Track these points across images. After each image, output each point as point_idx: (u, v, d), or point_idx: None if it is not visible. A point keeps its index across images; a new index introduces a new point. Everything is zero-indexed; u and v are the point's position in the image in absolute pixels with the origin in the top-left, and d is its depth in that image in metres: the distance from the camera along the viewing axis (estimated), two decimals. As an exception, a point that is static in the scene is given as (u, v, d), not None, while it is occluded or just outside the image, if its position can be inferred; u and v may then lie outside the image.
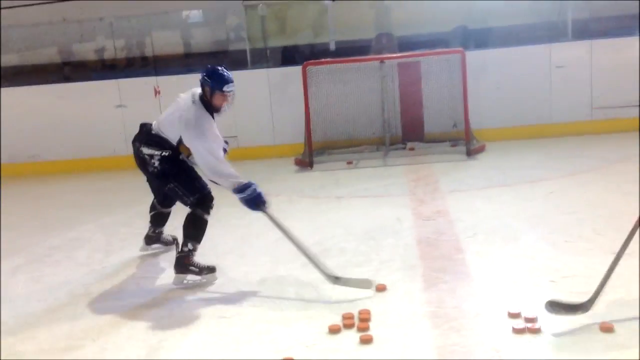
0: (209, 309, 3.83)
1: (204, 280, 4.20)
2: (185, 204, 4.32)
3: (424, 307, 3.62)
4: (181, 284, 4.18)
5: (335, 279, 3.93)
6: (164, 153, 4.25)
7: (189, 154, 4.27)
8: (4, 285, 4.46)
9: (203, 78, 4.20)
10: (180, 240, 4.29)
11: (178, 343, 3.44)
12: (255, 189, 4.04)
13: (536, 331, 3.20)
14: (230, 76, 4.21)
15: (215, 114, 4.24)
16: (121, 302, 4.06)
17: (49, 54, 9.28)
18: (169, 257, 4.70)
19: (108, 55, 9.27)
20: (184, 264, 4.19)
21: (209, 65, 4.30)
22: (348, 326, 3.44)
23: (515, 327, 3.24)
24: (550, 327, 3.23)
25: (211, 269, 4.24)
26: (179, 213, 4.56)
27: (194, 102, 4.21)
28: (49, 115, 8.15)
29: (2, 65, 8.54)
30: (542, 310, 3.37)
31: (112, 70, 9.15)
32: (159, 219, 4.79)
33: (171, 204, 4.68)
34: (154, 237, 4.83)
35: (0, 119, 8.00)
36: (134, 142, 4.39)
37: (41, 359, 3.38)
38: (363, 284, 3.86)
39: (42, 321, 3.85)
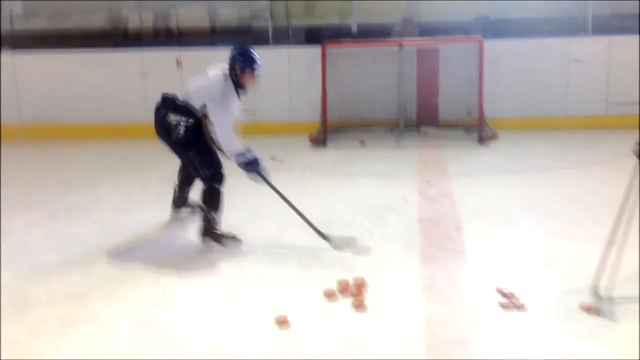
0: (213, 268, 4.03)
1: (233, 246, 4.32)
2: (199, 176, 4.47)
3: (417, 280, 3.77)
4: (207, 251, 4.31)
5: (327, 238, 4.28)
6: (190, 120, 4.39)
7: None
8: (22, 236, 4.69)
9: (234, 57, 4.41)
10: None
11: (181, 296, 3.64)
12: (253, 153, 4.34)
13: (521, 307, 3.35)
14: (259, 58, 4.45)
15: (240, 93, 4.43)
16: (131, 257, 4.26)
17: (75, 21, 9.48)
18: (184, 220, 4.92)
19: (133, 25, 9.44)
20: (210, 230, 4.33)
21: (240, 46, 4.51)
22: (343, 292, 3.60)
23: (502, 302, 3.39)
24: (536, 304, 3.37)
25: (234, 238, 4.37)
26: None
27: (224, 76, 4.40)
28: (73, 80, 8.34)
29: (32, 30, 8.75)
30: (529, 289, 3.53)
31: (136, 41, 9.31)
32: (190, 177, 4.84)
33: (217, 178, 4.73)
34: (180, 201, 4.94)
35: (22, 82, 8.24)
36: (158, 110, 4.50)
37: (52, 304, 3.58)
38: (349, 241, 4.28)
39: (55, 270, 4.07)
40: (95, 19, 9.41)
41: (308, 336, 3.16)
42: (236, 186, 5.11)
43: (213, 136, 4.41)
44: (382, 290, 3.64)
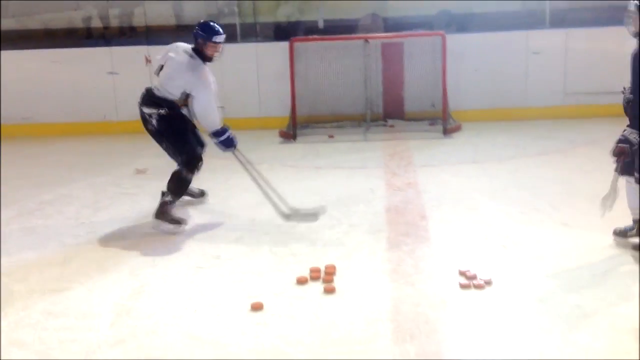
0: (189, 260, 4.17)
1: (174, 230, 4.63)
2: (177, 162, 4.78)
3: (384, 265, 3.97)
4: (158, 228, 4.64)
5: (288, 216, 4.46)
6: (161, 111, 4.68)
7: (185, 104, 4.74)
8: (-1, 234, 4.79)
9: (196, 31, 4.74)
10: (207, 193, 5.19)
11: (159, 287, 3.79)
12: (229, 133, 4.77)
13: (480, 287, 3.57)
14: (220, 29, 4.77)
15: (207, 63, 4.77)
16: (108, 251, 4.37)
17: (43, 20, 9.49)
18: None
19: (102, 23, 9.48)
20: (162, 211, 4.64)
21: (201, 20, 4.88)
22: (314, 278, 3.78)
23: (462, 282, 3.61)
24: (494, 284, 3.60)
25: (181, 222, 4.67)
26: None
27: (191, 56, 4.73)
28: (43, 79, 8.35)
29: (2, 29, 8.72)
30: (488, 270, 3.75)
31: (105, 38, 9.35)
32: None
33: (202, 150, 5.02)
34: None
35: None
36: (139, 103, 4.79)
37: (33, 297, 3.70)
38: (311, 216, 4.50)
39: (34, 265, 4.17)
40: (63, 18, 9.43)
41: (282, 320, 3.33)
42: (209, 179, 5.27)
43: (193, 114, 4.75)
44: (351, 275, 3.83)
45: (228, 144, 4.77)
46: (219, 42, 4.76)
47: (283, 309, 3.45)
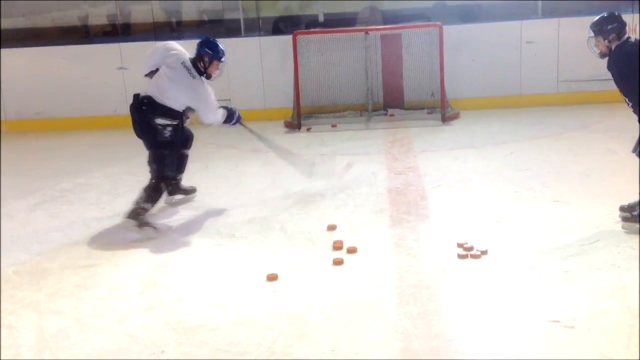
0: (206, 239, 4.49)
1: (142, 235, 4.55)
2: (158, 172, 4.78)
3: (388, 240, 4.29)
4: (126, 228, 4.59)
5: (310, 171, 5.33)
6: (175, 123, 4.75)
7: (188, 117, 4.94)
8: (26, 219, 5.10)
9: (203, 48, 4.79)
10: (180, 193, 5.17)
11: (180, 262, 4.11)
12: (234, 114, 5.08)
13: (476, 257, 3.89)
14: (223, 47, 4.89)
15: (207, 81, 4.86)
16: (129, 231, 4.65)
17: (52, 18, 9.80)
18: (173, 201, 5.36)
19: (111, 20, 9.78)
20: (136, 214, 4.58)
21: (206, 37, 4.93)
22: (337, 249, 4.11)
23: (460, 253, 3.93)
24: (489, 254, 3.92)
25: (154, 228, 4.61)
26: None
27: (190, 73, 4.74)
28: (54, 75, 8.66)
29: (13, 27, 9.02)
30: (484, 242, 4.07)
31: (112, 35, 9.65)
32: (179, 163, 5.14)
33: (189, 144, 5.16)
34: (174, 187, 5.21)
35: (3, 79, 8.51)
36: (139, 110, 4.74)
37: (65, 273, 4.03)
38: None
39: (62, 245, 4.50)
40: (71, 16, 9.74)
41: (296, 288, 3.65)
42: (220, 167, 5.59)
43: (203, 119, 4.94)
44: (357, 249, 4.13)
45: (237, 120, 5.12)
46: (224, 61, 4.87)
47: (296, 278, 3.77)
